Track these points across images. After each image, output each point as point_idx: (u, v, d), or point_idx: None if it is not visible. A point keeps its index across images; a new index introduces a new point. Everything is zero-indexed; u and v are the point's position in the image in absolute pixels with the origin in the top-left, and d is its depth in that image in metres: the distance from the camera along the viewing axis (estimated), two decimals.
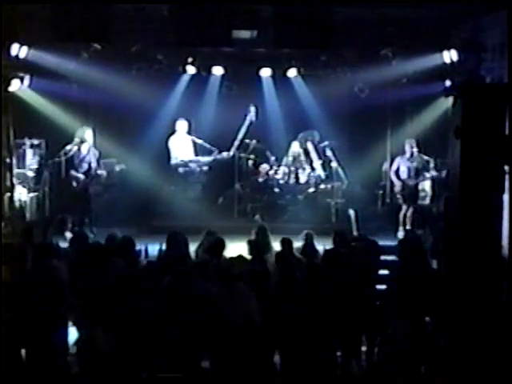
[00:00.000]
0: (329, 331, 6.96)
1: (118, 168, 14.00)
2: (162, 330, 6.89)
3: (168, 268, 7.77)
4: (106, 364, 6.35)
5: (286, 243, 8.85)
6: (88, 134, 12.59)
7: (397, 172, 13.11)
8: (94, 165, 12.64)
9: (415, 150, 13.17)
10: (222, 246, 8.54)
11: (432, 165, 13.43)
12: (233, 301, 7.10)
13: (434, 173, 13.28)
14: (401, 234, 12.59)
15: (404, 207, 12.99)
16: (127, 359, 6.58)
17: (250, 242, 8.77)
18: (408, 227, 12.73)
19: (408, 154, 13.06)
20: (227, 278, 7.43)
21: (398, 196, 13.13)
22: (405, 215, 12.94)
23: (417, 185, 13.17)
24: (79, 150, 12.49)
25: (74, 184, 12.49)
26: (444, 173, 13.20)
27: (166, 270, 7.73)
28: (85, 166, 12.56)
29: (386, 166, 13.96)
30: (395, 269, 8.52)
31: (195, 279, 7.54)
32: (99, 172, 12.87)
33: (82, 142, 12.48)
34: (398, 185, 13.09)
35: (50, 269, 7.76)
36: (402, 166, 13.10)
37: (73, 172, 12.47)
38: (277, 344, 6.99)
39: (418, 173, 13.08)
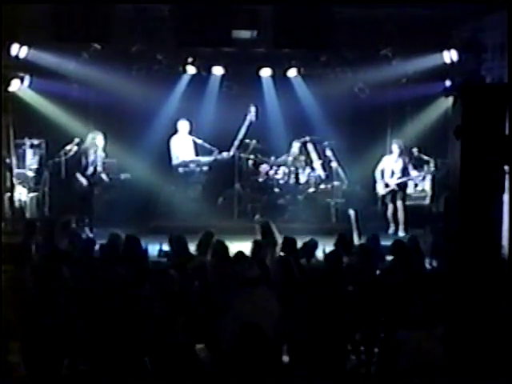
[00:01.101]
0: (330, 333, 6.94)
1: (122, 177, 14.04)
2: (172, 334, 6.80)
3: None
4: (107, 364, 6.35)
5: (289, 243, 8.61)
6: (99, 139, 12.59)
7: (382, 171, 13.10)
8: (99, 168, 12.69)
9: (415, 149, 13.20)
10: (225, 249, 8.40)
11: (432, 164, 13.45)
12: (252, 306, 6.83)
13: (417, 174, 13.29)
14: (391, 232, 12.76)
15: (391, 206, 12.99)
16: (130, 361, 6.56)
17: (255, 242, 8.63)
18: (401, 226, 12.77)
19: (395, 155, 13.04)
20: (245, 283, 6.94)
21: (381, 196, 13.15)
22: (393, 214, 12.95)
23: (402, 186, 13.08)
24: (87, 153, 12.49)
25: (78, 186, 12.49)
26: (429, 178, 13.27)
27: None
28: (91, 170, 12.58)
29: None
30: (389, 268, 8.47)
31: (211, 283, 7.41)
32: (103, 176, 12.91)
33: (94, 146, 12.52)
34: (380, 184, 13.08)
35: (55, 272, 7.73)
36: (388, 166, 13.07)
37: (78, 174, 12.47)
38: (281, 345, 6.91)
39: (403, 173, 13.01)
